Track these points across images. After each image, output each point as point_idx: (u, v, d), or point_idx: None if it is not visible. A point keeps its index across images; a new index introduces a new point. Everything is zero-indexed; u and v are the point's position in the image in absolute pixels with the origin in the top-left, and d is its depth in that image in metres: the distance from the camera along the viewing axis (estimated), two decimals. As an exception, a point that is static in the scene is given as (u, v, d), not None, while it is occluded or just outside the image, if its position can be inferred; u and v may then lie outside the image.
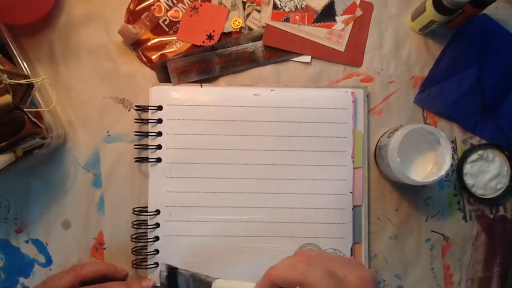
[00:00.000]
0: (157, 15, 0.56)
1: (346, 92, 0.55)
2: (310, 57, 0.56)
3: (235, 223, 0.54)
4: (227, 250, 0.54)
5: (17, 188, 0.55)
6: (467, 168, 0.55)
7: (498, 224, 0.57)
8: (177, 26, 0.56)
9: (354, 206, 0.55)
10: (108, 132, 0.56)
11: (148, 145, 0.54)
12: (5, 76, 0.44)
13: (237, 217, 0.54)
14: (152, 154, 0.54)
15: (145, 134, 0.54)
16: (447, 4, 0.49)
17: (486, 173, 0.55)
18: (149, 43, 0.56)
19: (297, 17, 0.56)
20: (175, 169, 0.54)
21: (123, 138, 0.55)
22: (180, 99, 0.54)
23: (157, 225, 0.54)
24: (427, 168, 0.52)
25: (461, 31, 0.57)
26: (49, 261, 0.55)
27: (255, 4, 0.56)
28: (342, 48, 0.56)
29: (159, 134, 0.54)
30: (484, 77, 0.56)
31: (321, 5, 0.56)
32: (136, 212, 0.54)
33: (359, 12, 0.56)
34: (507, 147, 0.56)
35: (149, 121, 0.54)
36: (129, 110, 0.56)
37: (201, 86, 0.55)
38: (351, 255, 0.54)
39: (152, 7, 0.56)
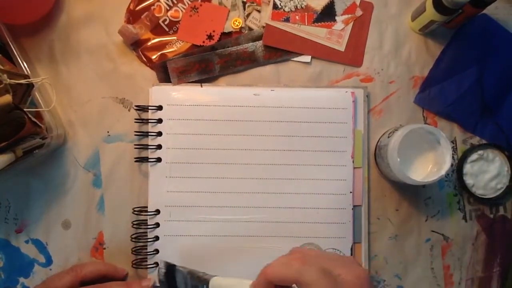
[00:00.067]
0: (157, 15, 0.56)
1: (346, 92, 0.55)
2: (310, 57, 0.56)
3: (235, 223, 0.54)
4: (227, 250, 0.54)
5: (17, 188, 0.55)
6: (467, 168, 0.55)
7: (498, 224, 0.57)
8: (177, 26, 0.56)
9: (354, 206, 0.55)
10: (108, 132, 0.56)
11: (148, 145, 0.54)
12: (5, 76, 0.44)
13: (237, 217, 0.54)
14: (152, 154, 0.54)
15: (145, 134, 0.54)
16: (447, 4, 0.49)
17: (486, 173, 0.55)
18: (149, 43, 0.56)
19: (297, 17, 0.56)
20: (175, 169, 0.54)
21: (123, 138, 0.56)
22: (180, 99, 0.55)
23: (157, 225, 0.54)
24: (427, 168, 0.52)
25: (461, 31, 0.57)
26: (49, 261, 0.55)
27: (255, 4, 0.56)
28: (342, 48, 0.56)
29: (159, 134, 0.54)
30: (484, 77, 0.56)
31: (321, 5, 0.56)
32: (136, 212, 0.54)
33: (359, 12, 0.57)
34: (507, 147, 0.56)
35: (149, 121, 0.54)
36: (129, 110, 0.56)
37: (201, 86, 0.55)
38: (351, 255, 0.54)
39: (152, 7, 0.56)
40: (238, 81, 0.56)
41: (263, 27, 0.56)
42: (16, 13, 0.52)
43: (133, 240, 0.54)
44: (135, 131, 0.54)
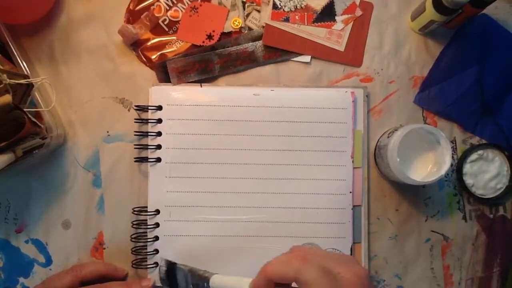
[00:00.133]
0: (156, 15, 0.56)
1: (346, 92, 0.55)
2: (310, 57, 0.56)
3: (235, 223, 0.54)
4: (226, 250, 0.54)
5: (17, 188, 0.55)
6: (467, 168, 0.55)
7: (498, 224, 0.57)
8: (177, 26, 0.56)
9: (354, 206, 0.55)
10: (108, 132, 0.56)
11: (148, 145, 0.54)
12: (5, 76, 0.44)
13: (237, 217, 0.54)
14: (152, 154, 0.54)
15: (145, 134, 0.54)
16: (447, 4, 0.49)
17: (486, 173, 0.55)
18: (149, 43, 0.56)
19: (297, 17, 0.56)
20: (175, 169, 0.54)
21: (123, 138, 0.56)
22: (180, 99, 0.55)
23: (157, 225, 0.54)
24: (427, 168, 0.52)
25: (461, 31, 0.57)
26: (49, 261, 0.55)
27: (255, 4, 0.56)
28: (342, 48, 0.56)
29: (159, 134, 0.54)
30: (484, 77, 0.56)
31: (321, 5, 0.56)
32: (136, 212, 0.54)
33: (359, 12, 0.56)
34: (507, 147, 0.56)
35: (149, 121, 0.54)
36: (129, 110, 0.56)
37: (201, 86, 0.55)
38: (351, 255, 0.54)
39: (152, 7, 0.56)
40: (238, 81, 0.56)
41: (263, 27, 0.56)
42: (16, 13, 0.52)
43: (133, 240, 0.54)
44: (135, 131, 0.54)
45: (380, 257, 0.56)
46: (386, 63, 0.57)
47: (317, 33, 0.56)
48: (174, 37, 0.56)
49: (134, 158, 0.54)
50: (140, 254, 0.54)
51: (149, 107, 0.54)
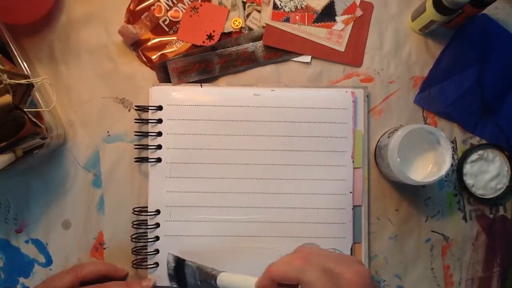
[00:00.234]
0: (157, 15, 0.56)
1: (346, 92, 0.55)
2: (310, 57, 0.56)
3: (235, 223, 0.54)
4: (227, 250, 0.54)
5: (17, 188, 0.55)
6: (467, 168, 0.55)
7: (498, 224, 0.57)
8: (177, 26, 0.56)
9: (354, 206, 0.55)
10: (108, 132, 0.56)
11: (148, 145, 0.54)
12: (5, 76, 0.44)
13: (237, 217, 0.54)
14: (152, 154, 0.54)
15: (145, 134, 0.54)
16: (447, 4, 0.49)
17: (486, 173, 0.55)
18: (149, 43, 0.56)
19: (297, 17, 0.56)
20: (175, 169, 0.54)
21: (123, 138, 0.55)
22: (180, 99, 0.54)
23: (157, 225, 0.54)
24: (427, 168, 0.52)
25: (461, 31, 0.57)
26: (49, 261, 0.55)
27: (255, 4, 0.56)
28: (342, 48, 0.56)
29: (159, 134, 0.54)
30: (484, 77, 0.56)
31: (321, 5, 0.56)
32: (136, 212, 0.54)
33: (359, 12, 0.57)
34: (507, 147, 0.56)
35: (149, 121, 0.54)
36: (129, 110, 0.56)
37: (201, 86, 0.55)
38: (351, 255, 0.54)
39: (152, 7, 0.56)
40: (238, 81, 0.56)
41: (263, 27, 0.56)
42: (16, 13, 0.52)
43: (133, 240, 0.54)
44: (135, 131, 0.54)
45: (380, 257, 0.56)
46: (386, 63, 0.57)
47: (317, 33, 0.56)
48: (175, 37, 0.56)
49: (134, 158, 0.54)
50: (140, 254, 0.54)
51: (149, 107, 0.54)
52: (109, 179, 0.55)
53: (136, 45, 0.56)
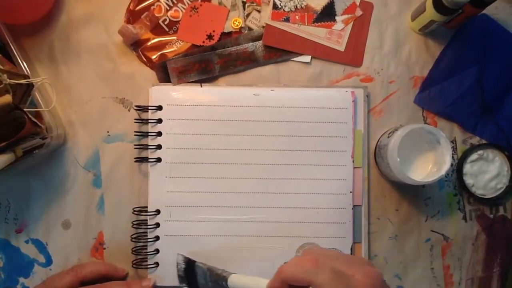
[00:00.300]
0: (157, 15, 0.56)
1: (346, 92, 0.55)
2: (310, 57, 0.56)
3: (235, 223, 0.54)
4: (227, 249, 0.54)
5: (17, 188, 0.55)
6: (467, 168, 0.55)
7: (498, 224, 0.57)
8: (177, 26, 0.56)
9: (354, 206, 0.55)
10: (108, 132, 0.56)
11: (148, 145, 0.54)
12: (5, 76, 0.44)
13: (237, 217, 0.54)
14: (152, 154, 0.54)
15: (145, 134, 0.54)
16: (447, 4, 0.49)
17: (486, 173, 0.55)
18: (149, 43, 0.56)
19: (297, 17, 0.56)
20: (175, 169, 0.54)
21: (123, 138, 0.56)
22: (180, 99, 0.55)
23: (157, 225, 0.54)
24: (427, 168, 0.52)
25: (461, 31, 0.57)
26: (49, 261, 0.55)
27: (255, 4, 0.56)
28: (342, 48, 0.56)
29: (159, 134, 0.54)
30: (484, 77, 0.56)
31: (321, 5, 0.56)
32: (136, 212, 0.54)
33: (359, 12, 0.57)
34: (507, 147, 0.56)
35: (149, 121, 0.54)
36: (129, 110, 0.56)
37: (201, 86, 0.55)
38: (351, 254, 0.54)
39: (152, 7, 0.56)
40: (238, 81, 0.56)
41: (263, 27, 0.56)
42: (16, 13, 0.52)
43: (133, 240, 0.54)
44: (135, 131, 0.54)
45: (380, 257, 0.56)
46: (386, 63, 0.57)
47: (317, 33, 0.56)
48: (174, 37, 0.56)
49: (134, 158, 0.54)
50: (141, 254, 0.54)
51: (149, 107, 0.54)
52: (109, 179, 0.55)
53: (136, 45, 0.56)
